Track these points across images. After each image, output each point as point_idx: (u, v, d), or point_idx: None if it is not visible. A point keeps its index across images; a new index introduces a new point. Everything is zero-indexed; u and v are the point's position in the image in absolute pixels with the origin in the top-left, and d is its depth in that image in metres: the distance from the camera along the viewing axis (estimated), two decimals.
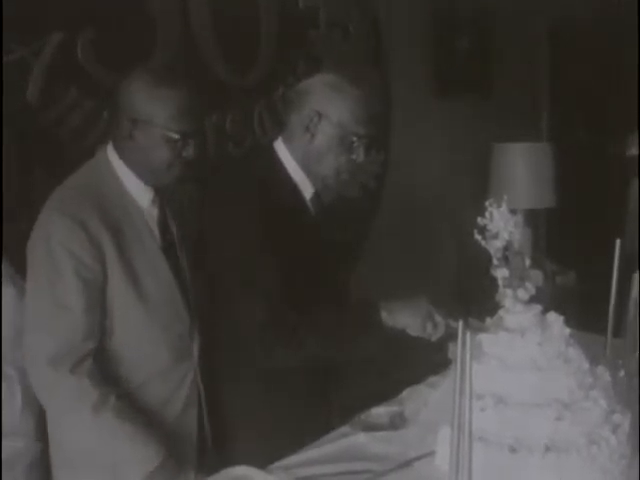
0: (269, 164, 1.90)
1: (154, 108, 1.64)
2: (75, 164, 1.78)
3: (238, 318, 1.77)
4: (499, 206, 1.59)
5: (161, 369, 1.73)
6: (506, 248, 1.60)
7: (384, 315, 1.75)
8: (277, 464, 1.60)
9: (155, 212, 1.76)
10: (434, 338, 1.76)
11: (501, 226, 1.59)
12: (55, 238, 1.59)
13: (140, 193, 1.72)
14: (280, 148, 1.91)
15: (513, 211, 1.62)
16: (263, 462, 1.59)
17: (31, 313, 1.63)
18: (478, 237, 1.59)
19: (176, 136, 1.65)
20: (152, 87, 1.64)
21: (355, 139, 1.85)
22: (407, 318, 1.75)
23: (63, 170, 1.76)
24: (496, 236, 1.59)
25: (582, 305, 2.72)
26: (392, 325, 1.75)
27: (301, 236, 1.81)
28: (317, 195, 1.94)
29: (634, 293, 2.35)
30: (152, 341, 1.71)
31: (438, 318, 1.74)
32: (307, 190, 1.92)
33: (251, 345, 1.76)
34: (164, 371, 1.73)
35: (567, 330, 1.61)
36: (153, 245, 1.73)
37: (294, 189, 1.90)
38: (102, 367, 1.63)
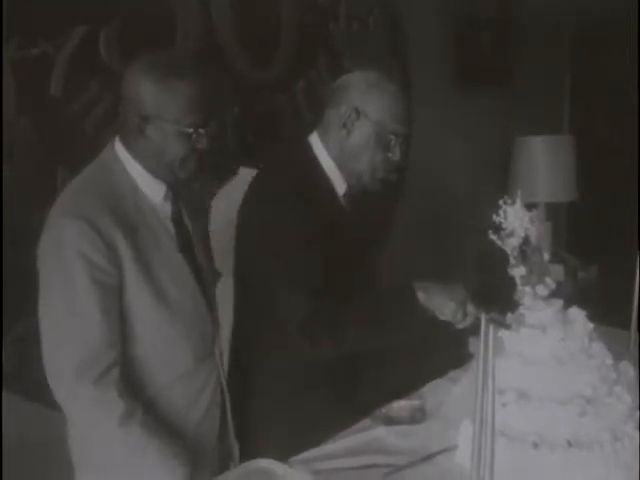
0: (304, 159, 1.88)
1: (164, 102, 1.57)
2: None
3: (279, 314, 1.76)
4: (513, 203, 1.57)
5: (185, 371, 1.68)
6: (524, 243, 1.59)
7: (420, 295, 1.73)
8: (298, 457, 1.60)
9: (168, 208, 1.69)
10: (461, 326, 1.75)
11: (516, 224, 1.57)
12: (67, 243, 1.52)
13: (152, 189, 1.66)
14: (315, 142, 1.89)
15: (533, 205, 1.61)
16: (284, 455, 1.59)
17: (48, 325, 1.56)
18: (493, 237, 1.58)
19: (190, 130, 1.59)
20: (160, 80, 1.57)
21: (393, 137, 1.84)
22: (442, 300, 1.74)
23: (86, 164, 1.75)
24: (511, 234, 1.58)
25: (605, 300, 2.70)
26: (425, 305, 1.73)
27: (335, 231, 1.81)
28: (350, 191, 1.94)
29: None
30: (174, 343, 1.66)
31: (470, 308, 1.73)
32: (340, 186, 1.90)
33: (295, 340, 1.74)
34: (188, 373, 1.69)
35: (590, 325, 1.60)
36: (169, 243, 1.67)
37: (328, 184, 1.88)
38: (125, 374, 1.58)
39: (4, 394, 2.08)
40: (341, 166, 1.88)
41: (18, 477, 2.08)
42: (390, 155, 1.86)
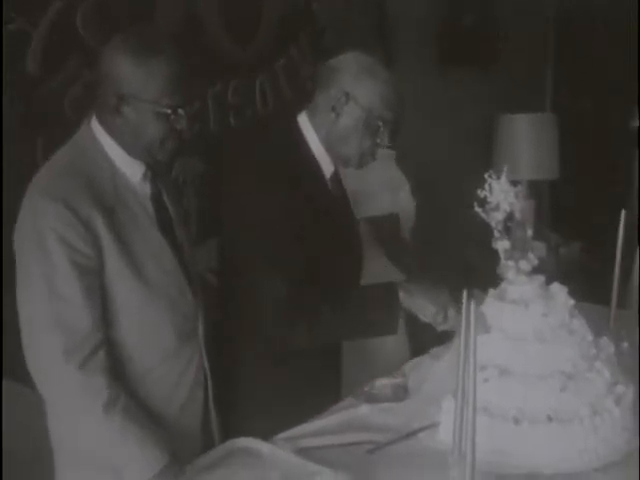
0: (291, 138, 1.86)
1: (141, 81, 1.53)
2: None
3: (256, 295, 1.75)
4: (499, 178, 1.58)
5: (168, 352, 1.66)
6: (508, 219, 1.60)
7: (402, 295, 1.73)
8: (281, 435, 1.61)
9: (147, 188, 1.66)
10: (440, 328, 1.75)
11: (501, 198, 1.58)
12: (44, 226, 1.49)
13: (130, 169, 1.62)
14: (304, 122, 1.87)
15: (515, 182, 1.61)
16: (267, 434, 1.60)
17: (28, 312, 1.53)
18: (478, 210, 1.58)
19: (167, 110, 1.55)
20: (138, 58, 1.53)
21: (381, 123, 1.82)
22: (424, 302, 1.73)
23: (64, 140, 1.72)
24: (496, 208, 1.59)
25: (586, 276, 2.72)
26: (407, 307, 1.73)
27: (320, 214, 1.80)
28: (336, 174, 1.92)
29: (637, 264, 2.34)
30: (156, 323, 1.64)
31: (452, 312, 1.71)
32: (327, 168, 1.88)
33: (271, 322, 1.74)
34: (171, 354, 1.67)
35: (571, 301, 1.61)
36: (148, 223, 1.64)
37: (315, 166, 1.86)
38: (108, 357, 1.56)
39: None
40: (329, 148, 1.86)
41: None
42: (379, 141, 1.84)
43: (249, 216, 1.78)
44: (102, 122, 1.61)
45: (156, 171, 1.69)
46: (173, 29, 2.44)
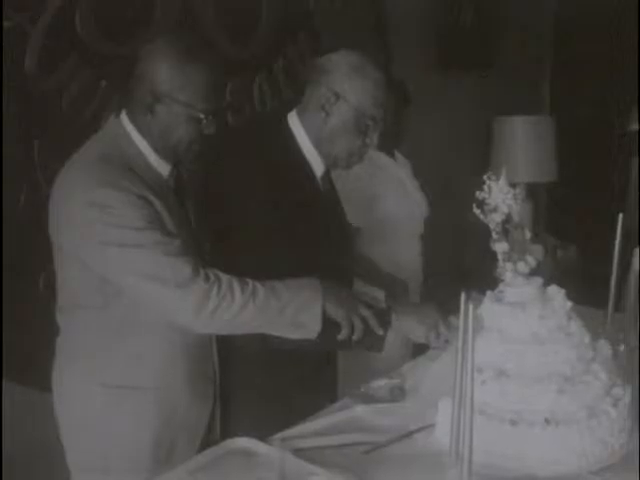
0: (282, 138, 1.86)
1: (180, 83, 1.56)
2: (74, 134, 1.75)
3: None
4: (497, 179, 1.58)
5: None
6: (506, 221, 1.60)
7: (392, 317, 1.71)
8: (277, 436, 1.60)
9: (172, 184, 1.70)
10: (434, 345, 1.75)
11: (499, 199, 1.58)
12: (100, 211, 1.51)
13: (159, 165, 1.66)
14: (294, 121, 1.87)
15: (513, 185, 1.61)
16: (263, 434, 1.59)
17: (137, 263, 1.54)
18: (477, 211, 1.58)
19: (201, 115, 1.58)
20: (179, 60, 1.56)
21: (371, 123, 1.82)
22: (412, 324, 1.72)
23: (62, 139, 1.72)
24: (495, 210, 1.59)
25: (583, 279, 2.72)
26: (397, 328, 1.71)
27: (310, 212, 1.80)
28: (328, 173, 1.91)
29: (635, 267, 2.35)
30: None
31: (442, 329, 1.71)
32: (318, 167, 1.88)
33: None
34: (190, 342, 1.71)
35: (568, 304, 1.61)
36: (181, 217, 1.67)
37: (305, 165, 1.86)
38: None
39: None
40: (319, 147, 1.85)
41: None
42: (368, 141, 1.84)
43: (239, 216, 1.78)
44: (132, 119, 1.63)
45: (180, 171, 1.73)
46: (171, 28, 2.44)
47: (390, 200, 2.54)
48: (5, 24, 2.06)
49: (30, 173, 1.72)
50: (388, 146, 2.53)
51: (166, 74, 1.56)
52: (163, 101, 1.57)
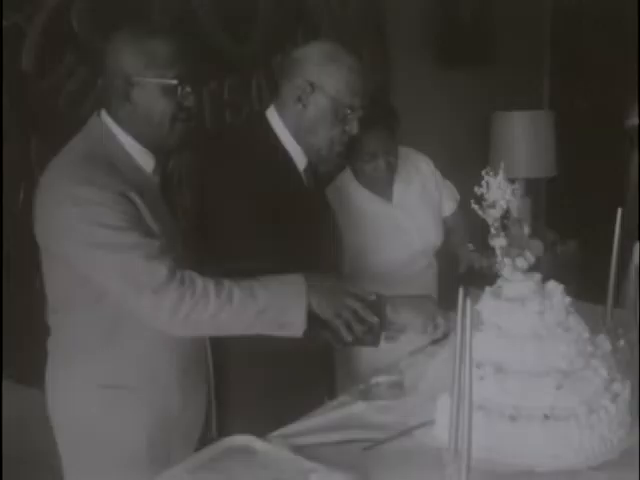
0: (263, 133, 1.86)
1: (145, 59, 1.58)
2: (72, 132, 1.75)
3: None
4: (496, 174, 1.57)
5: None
6: (505, 216, 1.59)
7: (388, 309, 1.71)
8: (276, 433, 1.60)
9: (157, 181, 1.70)
10: (433, 337, 1.74)
11: (498, 195, 1.57)
12: (82, 209, 1.51)
13: (143, 160, 1.66)
14: (273, 117, 1.87)
15: (512, 180, 1.61)
16: (262, 431, 1.59)
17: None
18: (475, 207, 1.58)
19: (174, 82, 1.59)
20: (138, 39, 1.59)
21: (349, 111, 1.81)
22: (409, 316, 1.71)
23: (60, 138, 1.72)
24: (493, 205, 1.58)
25: (582, 274, 2.71)
26: (394, 321, 1.71)
27: (295, 207, 1.79)
28: (310, 166, 1.91)
29: (635, 261, 2.34)
30: None
31: (440, 320, 1.71)
32: (300, 161, 1.88)
33: None
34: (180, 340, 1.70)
35: (567, 299, 1.61)
36: (163, 212, 1.67)
37: (288, 159, 1.86)
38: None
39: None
40: (299, 140, 1.85)
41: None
42: (347, 129, 1.83)
43: (222, 212, 1.78)
44: (112, 114, 1.64)
45: (164, 165, 1.73)
46: (169, 26, 2.44)
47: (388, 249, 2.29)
48: (2, 22, 2.06)
49: (28, 172, 1.71)
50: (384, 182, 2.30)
51: (130, 56, 1.58)
52: (136, 83, 1.58)
